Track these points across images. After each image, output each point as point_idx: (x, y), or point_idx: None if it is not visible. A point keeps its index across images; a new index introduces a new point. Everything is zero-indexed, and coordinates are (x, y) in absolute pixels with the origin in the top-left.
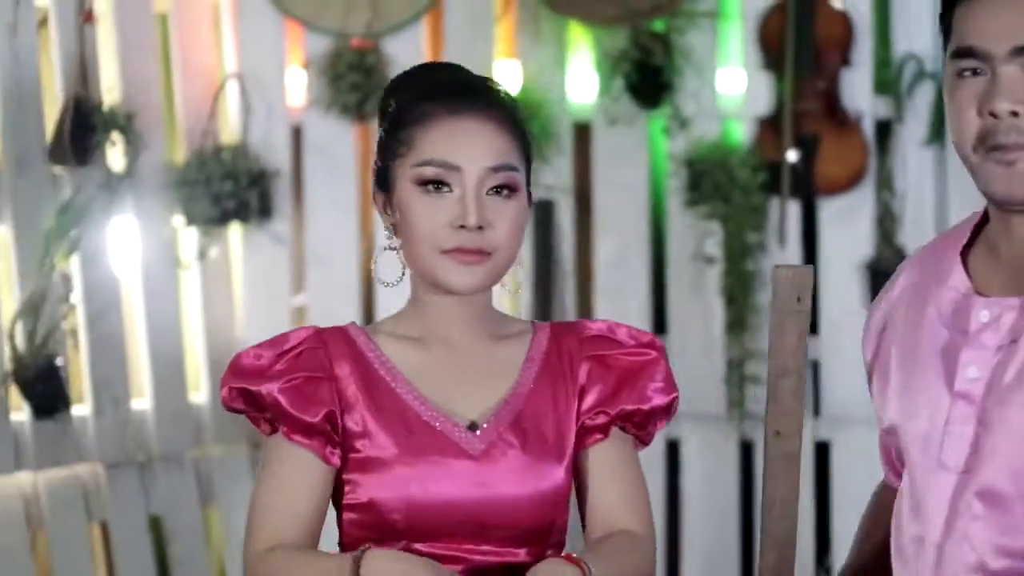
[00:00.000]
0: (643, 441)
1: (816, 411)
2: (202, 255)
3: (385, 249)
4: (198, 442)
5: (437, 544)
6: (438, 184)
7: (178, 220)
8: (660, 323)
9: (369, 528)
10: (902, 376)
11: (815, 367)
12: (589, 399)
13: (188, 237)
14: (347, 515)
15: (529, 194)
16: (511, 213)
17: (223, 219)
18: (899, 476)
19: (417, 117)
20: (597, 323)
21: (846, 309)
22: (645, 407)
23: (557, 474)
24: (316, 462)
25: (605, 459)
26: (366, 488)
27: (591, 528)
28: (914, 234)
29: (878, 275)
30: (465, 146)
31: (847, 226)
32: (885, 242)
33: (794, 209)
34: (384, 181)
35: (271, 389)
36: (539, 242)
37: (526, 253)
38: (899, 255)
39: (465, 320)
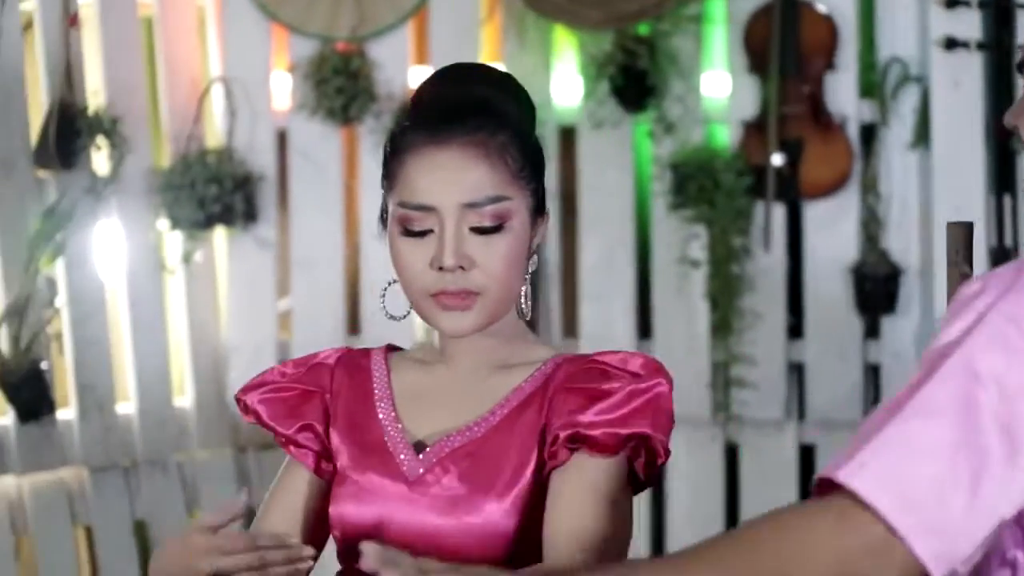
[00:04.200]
0: (637, 478)
1: (801, 415)
2: (187, 259)
3: (391, 283)
4: (183, 446)
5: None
6: (419, 232)
7: (163, 224)
8: (645, 327)
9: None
10: None
11: (799, 370)
12: (552, 427)
13: (173, 241)
14: None
15: (540, 208)
16: (499, 248)
17: (208, 223)
18: None
19: (401, 147)
20: (609, 354)
21: (831, 312)
22: (595, 432)
23: (493, 510)
24: (307, 474)
25: (557, 484)
26: (330, 504)
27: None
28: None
29: (863, 278)
30: (439, 183)
31: (832, 229)
32: (870, 245)
33: (779, 212)
34: (383, 211)
35: (253, 400)
36: None
37: None
38: (884, 258)
39: (471, 349)
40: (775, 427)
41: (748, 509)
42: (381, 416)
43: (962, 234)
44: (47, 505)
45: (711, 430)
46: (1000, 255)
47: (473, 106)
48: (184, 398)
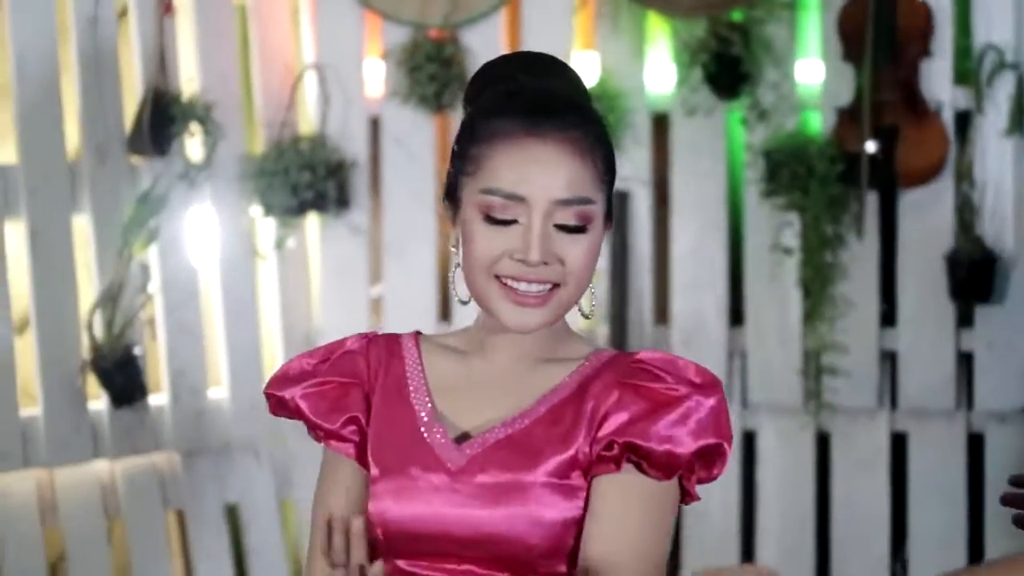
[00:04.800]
0: (685, 494)
1: (893, 403)
2: (279, 245)
3: (457, 266)
4: (274, 431)
5: (416, 562)
6: (503, 221)
7: (256, 210)
8: (737, 314)
9: (372, 542)
10: None
11: (892, 358)
12: (608, 427)
13: (266, 227)
14: None
15: (609, 211)
16: (582, 248)
17: (301, 209)
18: None
19: (489, 133)
20: (655, 355)
21: (925, 300)
22: (659, 448)
23: (540, 496)
24: (354, 467)
25: (605, 493)
26: (369, 500)
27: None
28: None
29: (957, 266)
30: (533, 175)
31: (926, 217)
32: (964, 233)
33: (873, 200)
34: (452, 193)
35: (294, 394)
36: (616, 234)
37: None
38: (979, 246)
39: (515, 344)
40: (867, 415)
41: (839, 498)
42: (417, 407)
43: None
44: (139, 489)
45: (802, 418)
46: None
47: (571, 103)
48: None
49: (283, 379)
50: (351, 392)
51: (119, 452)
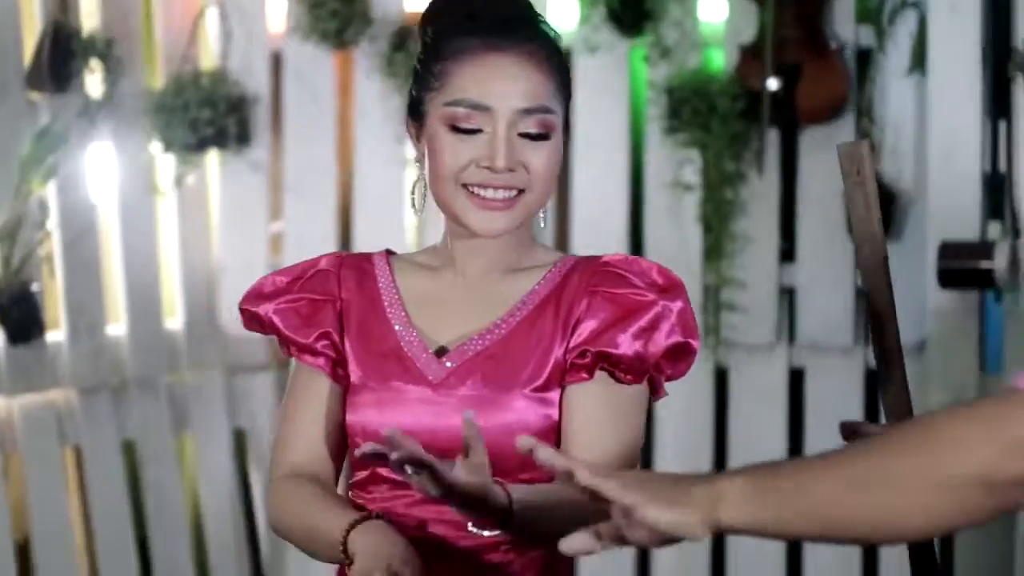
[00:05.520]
0: (652, 391)
1: (791, 339)
2: (179, 182)
3: (418, 179)
4: (173, 368)
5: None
6: (469, 130)
7: (156, 147)
8: (637, 250)
9: (352, 454)
10: None
11: (791, 294)
12: (579, 336)
13: (165, 164)
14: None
15: (567, 129)
16: (544, 155)
17: (201, 146)
18: None
19: (452, 51)
20: (617, 257)
21: (823, 237)
22: (629, 352)
23: (523, 407)
24: (327, 382)
25: (581, 402)
26: (347, 412)
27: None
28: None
29: None
30: (498, 86)
31: (826, 154)
32: None
33: (774, 137)
34: (417, 111)
35: (268, 310)
36: None
37: None
38: (879, 184)
39: (482, 253)
40: (765, 351)
41: (737, 432)
42: (394, 322)
43: (857, 152)
44: (36, 426)
45: (701, 353)
46: (994, 181)
47: (527, 18)
48: (174, 320)
49: (256, 295)
50: (323, 309)
51: (16, 389)
